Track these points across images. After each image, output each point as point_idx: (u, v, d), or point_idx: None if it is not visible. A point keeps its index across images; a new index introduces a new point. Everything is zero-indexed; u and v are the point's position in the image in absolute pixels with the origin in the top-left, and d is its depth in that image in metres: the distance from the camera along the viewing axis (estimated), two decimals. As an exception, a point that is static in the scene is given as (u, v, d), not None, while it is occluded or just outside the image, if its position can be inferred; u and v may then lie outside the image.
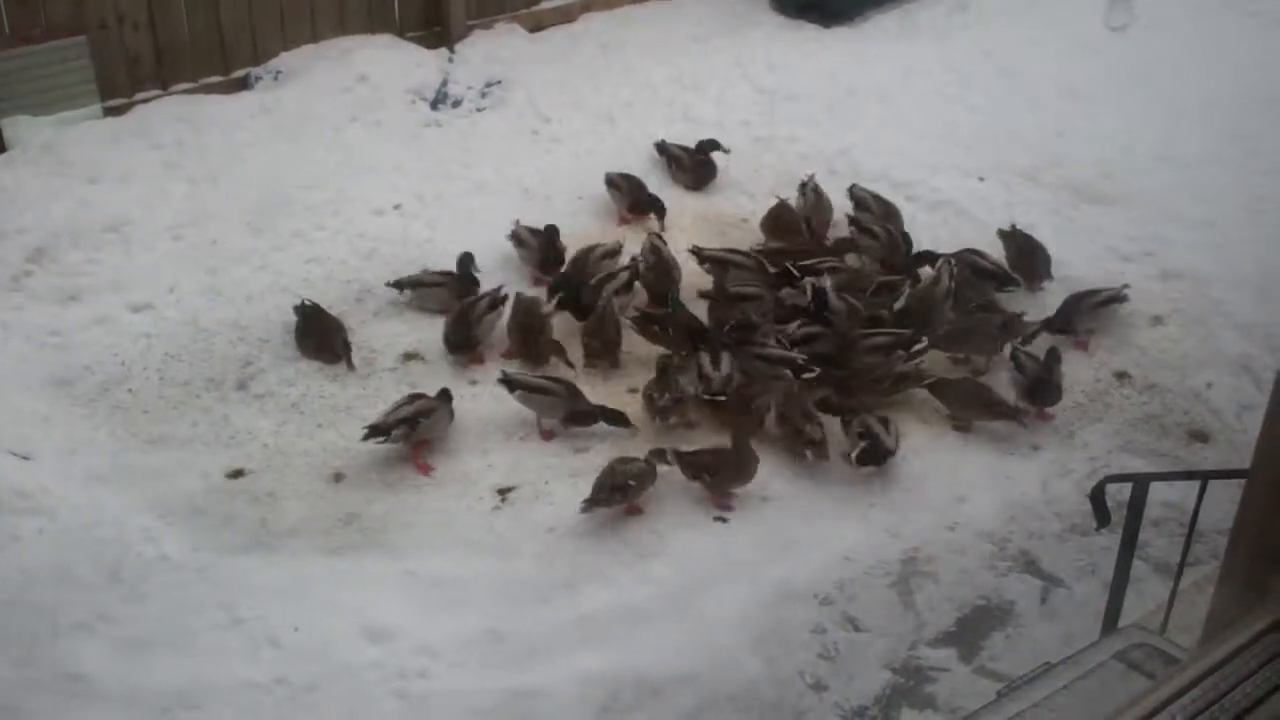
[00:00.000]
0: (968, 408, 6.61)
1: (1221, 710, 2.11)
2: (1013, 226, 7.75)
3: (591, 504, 5.89)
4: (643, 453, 6.12)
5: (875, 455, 6.14)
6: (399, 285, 7.30)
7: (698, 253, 7.44)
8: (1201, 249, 7.90)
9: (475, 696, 5.15)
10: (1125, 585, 4.95)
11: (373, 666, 5.24)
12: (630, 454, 6.15)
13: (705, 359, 6.56)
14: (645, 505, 6.05)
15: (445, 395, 6.42)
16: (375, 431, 6.18)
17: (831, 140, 8.92)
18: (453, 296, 7.23)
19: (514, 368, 6.78)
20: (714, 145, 8.54)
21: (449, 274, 7.33)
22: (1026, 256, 7.56)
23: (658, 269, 7.32)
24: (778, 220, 7.87)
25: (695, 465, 6.06)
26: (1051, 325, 7.05)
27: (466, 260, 7.32)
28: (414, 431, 6.22)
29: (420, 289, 7.29)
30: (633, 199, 8.09)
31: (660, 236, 7.57)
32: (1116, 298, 7.24)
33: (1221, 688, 2.15)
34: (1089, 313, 7.14)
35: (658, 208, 8.01)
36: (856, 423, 6.29)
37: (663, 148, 8.65)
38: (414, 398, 6.37)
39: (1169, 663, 3.49)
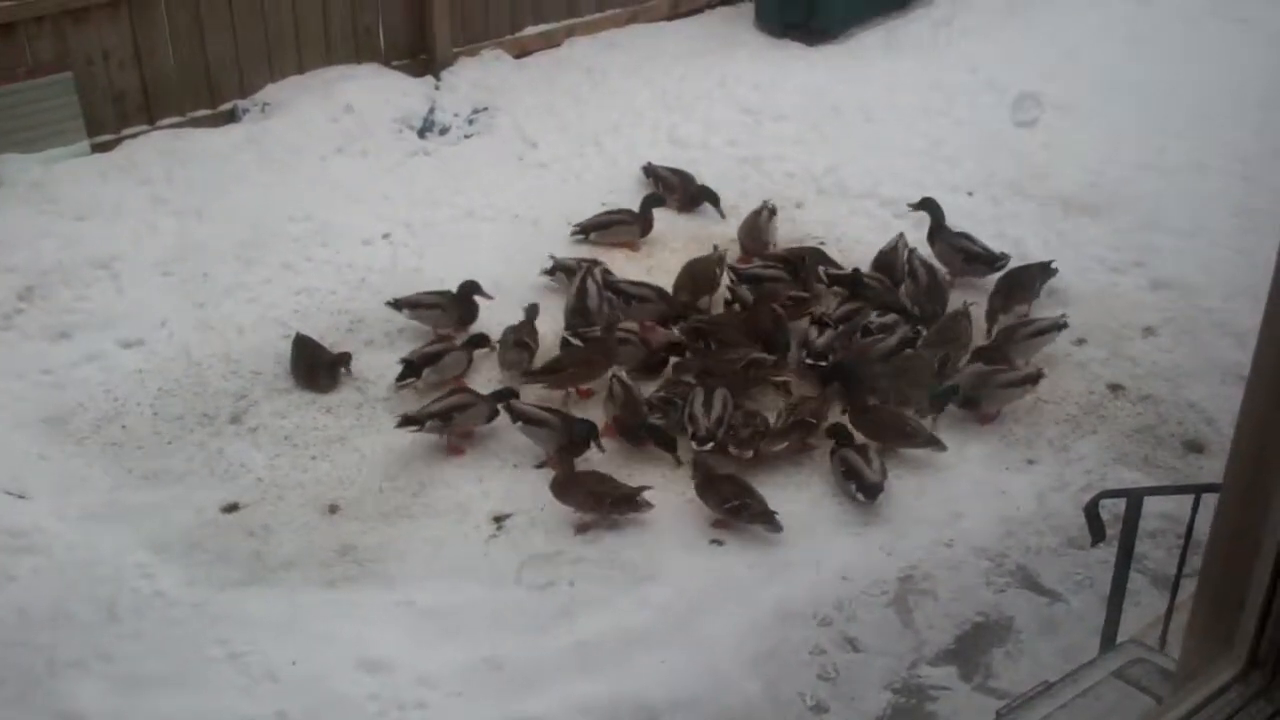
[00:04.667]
0: (885, 437, 6.51)
1: None
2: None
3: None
4: (677, 486, 6.26)
5: (875, 489, 6.13)
6: (396, 305, 7.30)
7: (735, 270, 7.49)
8: (1191, 258, 7.92)
9: (474, 726, 5.14)
10: (1123, 600, 4.94)
11: (371, 698, 5.22)
12: (621, 477, 6.20)
13: (698, 400, 6.43)
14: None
15: (498, 396, 6.56)
16: (408, 421, 6.34)
17: (818, 158, 8.94)
18: (449, 318, 7.27)
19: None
20: (711, 197, 8.44)
21: (446, 294, 7.35)
22: (1015, 288, 7.40)
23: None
24: (688, 275, 7.59)
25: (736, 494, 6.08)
26: (984, 354, 6.89)
27: (469, 287, 7.30)
28: (447, 425, 6.38)
29: (418, 309, 7.31)
30: (647, 224, 8.12)
31: (598, 267, 7.52)
32: (1056, 326, 7.06)
33: None
34: (1022, 343, 6.99)
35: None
36: (837, 459, 6.28)
37: (650, 170, 8.68)
38: (454, 392, 6.53)
39: (1167, 679, 3.49)
